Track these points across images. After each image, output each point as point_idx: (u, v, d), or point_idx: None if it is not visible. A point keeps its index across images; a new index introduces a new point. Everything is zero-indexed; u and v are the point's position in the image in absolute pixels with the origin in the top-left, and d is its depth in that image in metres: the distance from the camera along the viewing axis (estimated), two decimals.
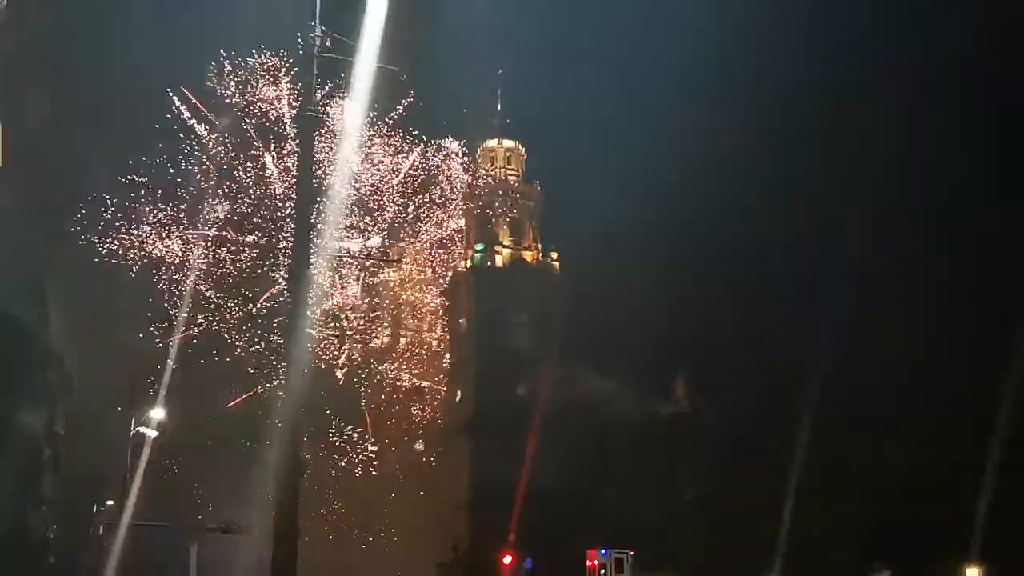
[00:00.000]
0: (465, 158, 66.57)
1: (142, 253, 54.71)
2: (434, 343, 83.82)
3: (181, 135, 57.24)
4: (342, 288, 67.18)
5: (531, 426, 60.58)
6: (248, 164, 59.46)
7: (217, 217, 57.95)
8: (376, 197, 65.73)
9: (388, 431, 75.28)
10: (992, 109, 68.32)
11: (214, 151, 58.55)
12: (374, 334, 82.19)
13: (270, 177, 59.07)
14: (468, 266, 76.26)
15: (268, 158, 58.84)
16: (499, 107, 79.36)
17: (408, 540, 65.22)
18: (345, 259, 59.32)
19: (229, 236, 57.45)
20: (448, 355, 78.52)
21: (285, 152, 59.03)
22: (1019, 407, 50.87)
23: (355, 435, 71.20)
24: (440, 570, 61.62)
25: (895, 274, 62.32)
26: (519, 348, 70.74)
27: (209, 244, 56.58)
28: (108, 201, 51.34)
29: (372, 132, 61.03)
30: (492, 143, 79.39)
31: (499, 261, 75.84)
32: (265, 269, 59.50)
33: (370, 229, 66.58)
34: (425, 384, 79.52)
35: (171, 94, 55.77)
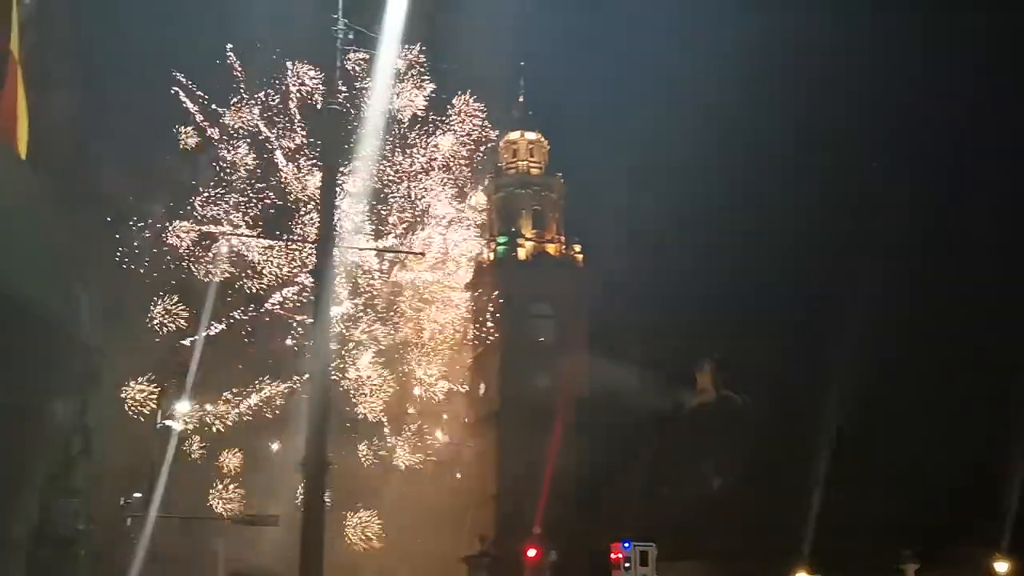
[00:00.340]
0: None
1: (166, 246, 55.01)
2: (457, 335, 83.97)
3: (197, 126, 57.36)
4: (367, 282, 67.15)
5: (556, 418, 60.64)
6: (267, 159, 59.56)
7: (244, 211, 58.08)
8: (397, 187, 65.56)
9: (412, 423, 75.48)
10: None
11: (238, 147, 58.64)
12: (397, 326, 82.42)
13: (284, 174, 59.14)
14: (491, 258, 76.32)
15: (280, 155, 58.88)
16: (521, 99, 79.39)
17: (435, 533, 65.34)
18: (368, 251, 59.25)
19: (250, 232, 57.59)
20: (472, 347, 78.65)
21: (300, 146, 59.05)
22: None
23: (381, 428, 71.44)
24: (467, 563, 61.75)
25: (931, 262, 61.97)
26: (543, 340, 70.81)
27: (231, 239, 56.70)
28: (130, 193, 51.71)
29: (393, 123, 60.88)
30: (514, 135, 79.37)
31: (522, 253, 75.88)
32: (288, 264, 59.60)
33: (392, 222, 66.47)
34: (448, 377, 79.68)
35: (187, 86, 55.85)
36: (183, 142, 55.67)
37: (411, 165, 63.51)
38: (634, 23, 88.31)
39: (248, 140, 58.24)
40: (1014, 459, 50.50)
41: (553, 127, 79.89)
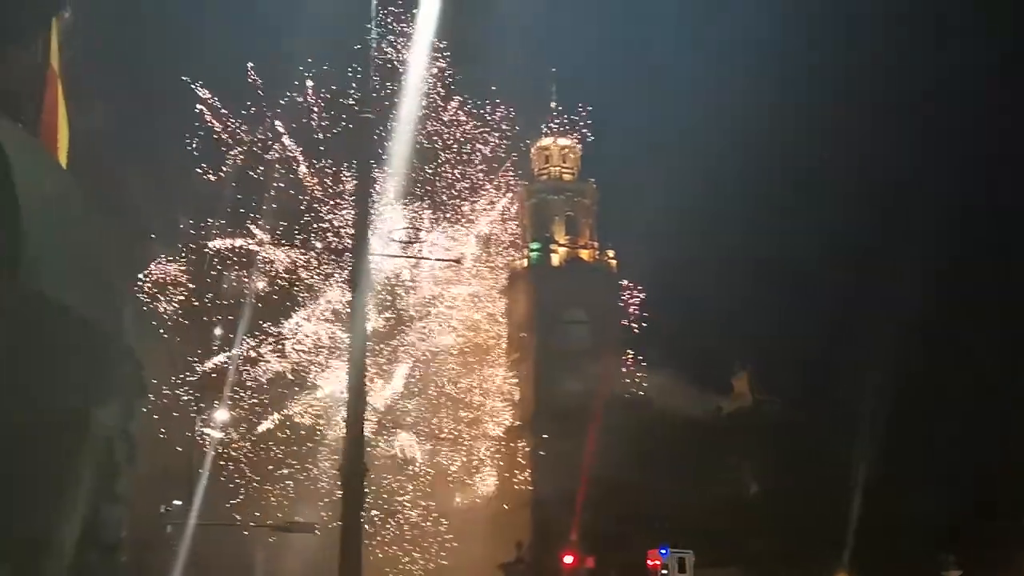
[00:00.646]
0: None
1: (207, 254, 55.57)
2: (492, 342, 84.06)
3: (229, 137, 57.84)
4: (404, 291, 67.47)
5: (590, 424, 60.45)
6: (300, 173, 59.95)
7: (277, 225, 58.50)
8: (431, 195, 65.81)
9: (449, 430, 75.61)
10: None
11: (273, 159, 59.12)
12: (432, 333, 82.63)
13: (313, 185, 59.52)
14: (525, 265, 76.33)
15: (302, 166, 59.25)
16: (553, 104, 79.42)
17: (472, 539, 65.34)
18: (404, 259, 59.47)
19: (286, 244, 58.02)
20: (506, 354, 78.66)
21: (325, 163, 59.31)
22: None
23: (419, 434, 71.62)
24: (503, 570, 61.68)
25: (969, 264, 61.30)
26: (577, 346, 70.67)
27: (269, 252, 57.15)
28: (162, 205, 52.30)
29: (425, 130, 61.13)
30: (547, 141, 79.35)
31: (555, 260, 75.83)
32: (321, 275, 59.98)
33: (427, 228, 66.73)
34: (484, 384, 79.76)
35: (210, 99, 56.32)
36: (229, 162, 56.15)
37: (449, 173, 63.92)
38: (665, 28, 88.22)
39: (282, 154, 58.80)
40: None
41: (585, 132, 79.85)
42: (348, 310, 15.55)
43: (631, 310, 70.51)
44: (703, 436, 59.79)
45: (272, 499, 53.58)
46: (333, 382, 57.29)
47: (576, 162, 79.85)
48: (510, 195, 71.36)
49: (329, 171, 58.89)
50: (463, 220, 71.78)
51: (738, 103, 66.36)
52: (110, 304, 6.80)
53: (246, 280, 54.71)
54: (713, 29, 76.47)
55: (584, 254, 76.71)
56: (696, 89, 77.93)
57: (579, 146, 79.92)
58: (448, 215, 67.45)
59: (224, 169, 56.53)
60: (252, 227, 57.37)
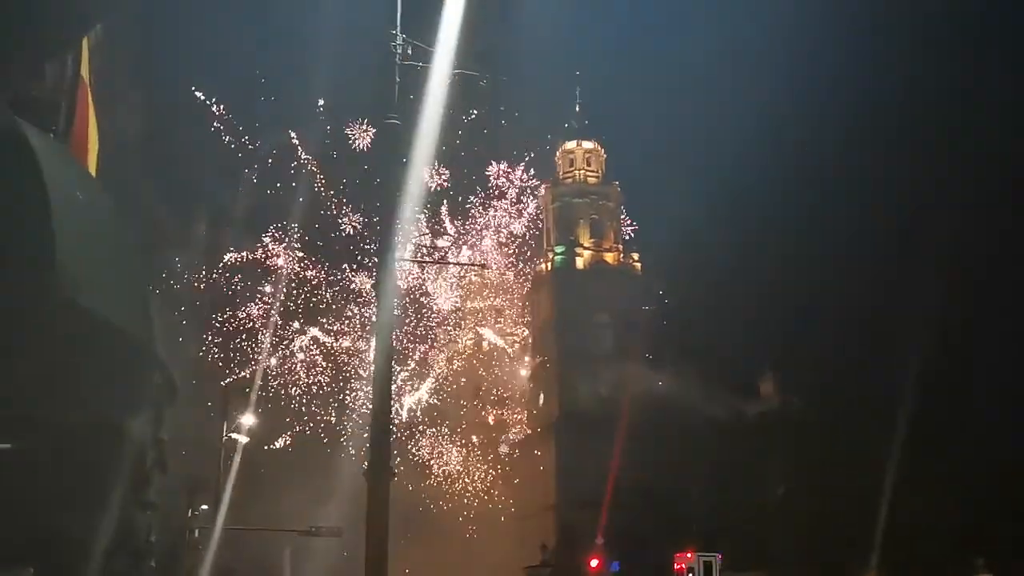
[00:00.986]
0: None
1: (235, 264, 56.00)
2: (517, 345, 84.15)
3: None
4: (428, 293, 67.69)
5: (616, 427, 60.32)
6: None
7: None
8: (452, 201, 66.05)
9: (474, 433, 75.74)
10: None
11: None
12: (457, 337, 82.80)
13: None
14: (549, 268, 76.33)
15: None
16: (578, 108, 79.43)
17: (497, 542, 65.38)
18: (428, 264, 59.68)
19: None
20: (530, 357, 78.70)
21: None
22: None
23: (443, 437, 71.80)
24: (529, 573, 61.66)
25: (994, 261, 60.70)
26: (602, 349, 70.55)
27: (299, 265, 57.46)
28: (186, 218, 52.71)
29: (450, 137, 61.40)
30: (571, 144, 79.34)
31: (580, 263, 75.75)
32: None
33: (450, 234, 66.93)
34: (508, 387, 79.85)
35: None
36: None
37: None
38: (689, 31, 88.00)
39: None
40: None
41: (610, 136, 79.86)
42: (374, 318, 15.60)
43: (654, 313, 70.43)
44: (729, 439, 59.48)
45: (298, 502, 53.86)
46: (359, 387, 57.57)
47: (600, 165, 79.77)
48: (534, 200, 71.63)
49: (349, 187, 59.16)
50: (487, 226, 72.02)
51: (764, 103, 66.00)
52: (141, 313, 6.91)
53: (273, 291, 55.07)
54: (737, 31, 76.19)
55: (609, 257, 76.55)
56: (720, 90, 77.72)
57: (603, 150, 79.88)
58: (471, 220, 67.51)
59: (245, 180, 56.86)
60: (268, 239, 57.67)
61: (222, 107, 56.40)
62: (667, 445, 57.93)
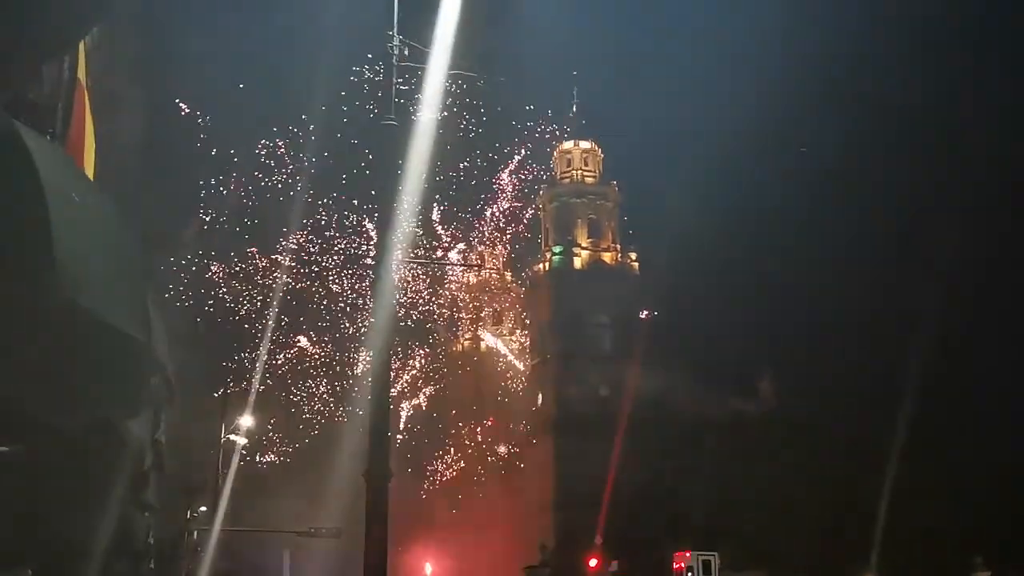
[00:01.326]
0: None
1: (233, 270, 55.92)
2: (515, 345, 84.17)
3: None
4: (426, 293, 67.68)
5: (615, 427, 60.32)
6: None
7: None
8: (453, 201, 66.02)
9: (473, 434, 75.73)
10: None
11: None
12: (455, 337, 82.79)
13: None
14: (547, 268, 76.37)
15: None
16: (575, 108, 79.47)
17: (496, 542, 65.34)
18: (425, 265, 59.66)
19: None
20: (529, 357, 78.69)
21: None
22: None
23: (442, 439, 71.77)
24: (528, 572, 61.69)
25: (994, 267, 60.66)
26: (600, 349, 70.57)
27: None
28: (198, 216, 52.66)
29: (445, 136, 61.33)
30: (568, 145, 79.38)
31: (577, 263, 75.78)
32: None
33: (448, 236, 66.96)
34: (506, 387, 79.80)
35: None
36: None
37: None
38: (687, 32, 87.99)
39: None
40: None
41: (608, 135, 79.86)
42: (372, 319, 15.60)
43: (653, 313, 70.45)
44: (728, 439, 59.56)
45: (296, 504, 53.82)
46: (359, 387, 57.52)
47: (598, 165, 79.83)
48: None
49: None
50: (484, 226, 72.00)
51: (763, 105, 65.91)
52: (139, 314, 6.91)
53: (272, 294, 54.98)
54: (735, 32, 76.17)
55: (607, 257, 76.60)
56: (719, 92, 77.62)
57: (600, 150, 79.93)
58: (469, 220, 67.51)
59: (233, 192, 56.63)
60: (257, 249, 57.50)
61: (208, 117, 56.17)
62: (665, 445, 57.99)
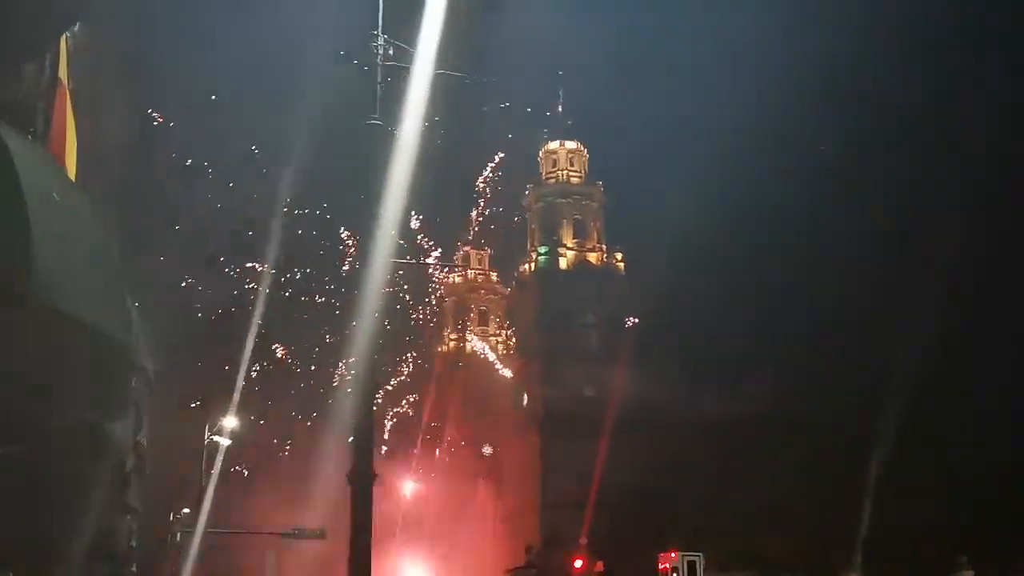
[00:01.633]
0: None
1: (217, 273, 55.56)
2: (500, 346, 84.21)
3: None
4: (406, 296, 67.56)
5: (601, 427, 60.37)
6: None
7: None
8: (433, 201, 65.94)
9: (457, 434, 75.70)
10: None
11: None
12: (438, 338, 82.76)
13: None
14: (532, 268, 76.44)
15: None
16: (561, 108, 79.55)
17: (481, 543, 65.36)
18: (409, 266, 59.52)
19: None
20: (515, 357, 78.72)
21: None
22: None
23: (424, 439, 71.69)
24: (512, 574, 61.75)
25: (990, 266, 60.83)
26: (586, 348, 70.65)
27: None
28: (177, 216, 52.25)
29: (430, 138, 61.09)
30: (554, 145, 79.46)
31: (563, 263, 75.88)
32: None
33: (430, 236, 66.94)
34: (491, 388, 79.78)
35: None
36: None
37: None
38: (678, 29, 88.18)
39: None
40: None
41: (592, 135, 79.95)
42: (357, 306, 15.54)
43: (640, 312, 70.55)
44: (716, 439, 59.66)
45: (280, 505, 53.70)
46: (342, 387, 57.39)
47: (584, 165, 79.93)
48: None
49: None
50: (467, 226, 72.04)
51: (756, 103, 65.95)
52: (119, 315, 6.85)
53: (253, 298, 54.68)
54: (728, 28, 76.38)
55: (592, 257, 76.71)
56: (709, 91, 77.81)
57: (586, 150, 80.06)
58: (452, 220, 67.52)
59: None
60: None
61: (188, 120, 55.63)
62: (653, 445, 58.03)
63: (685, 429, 58.98)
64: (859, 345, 59.79)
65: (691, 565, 41.40)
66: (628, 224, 77.42)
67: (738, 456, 58.31)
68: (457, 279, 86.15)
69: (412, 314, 68.39)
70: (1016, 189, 62.36)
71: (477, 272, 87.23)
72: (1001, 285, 60.07)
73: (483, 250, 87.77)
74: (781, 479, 56.79)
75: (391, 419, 68.45)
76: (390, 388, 66.55)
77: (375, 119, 15.54)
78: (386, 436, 66.95)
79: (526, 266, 77.68)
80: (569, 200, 77.65)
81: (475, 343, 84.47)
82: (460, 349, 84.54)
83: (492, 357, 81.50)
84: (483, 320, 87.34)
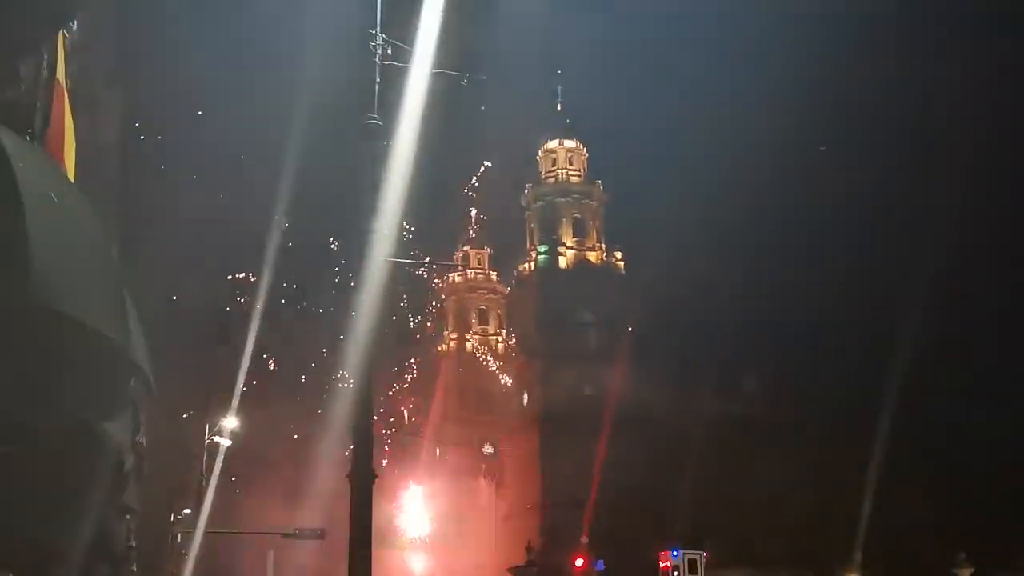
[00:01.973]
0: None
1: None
2: (500, 345, 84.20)
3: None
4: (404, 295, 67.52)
5: (600, 426, 60.35)
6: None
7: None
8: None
9: (458, 433, 75.68)
10: None
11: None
12: (440, 337, 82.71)
13: None
14: (532, 268, 76.38)
15: None
16: (560, 107, 79.50)
17: (482, 542, 65.34)
18: (407, 266, 59.38)
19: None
20: (515, 356, 78.72)
21: None
22: None
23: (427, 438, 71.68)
24: (513, 573, 61.75)
25: (982, 265, 60.92)
26: (586, 348, 70.61)
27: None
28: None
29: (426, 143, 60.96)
30: (553, 144, 79.38)
31: (563, 262, 75.82)
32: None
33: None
34: (491, 387, 79.79)
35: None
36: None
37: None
38: (672, 30, 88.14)
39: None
40: None
41: (591, 134, 79.89)
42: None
43: (639, 311, 70.50)
44: (714, 438, 59.64)
45: (280, 505, 53.65)
46: (342, 388, 57.32)
47: (583, 164, 79.85)
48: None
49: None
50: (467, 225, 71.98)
51: (750, 102, 66.04)
52: (118, 315, 6.83)
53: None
54: (722, 27, 76.36)
55: (592, 256, 76.64)
56: (707, 92, 77.80)
57: (585, 148, 79.96)
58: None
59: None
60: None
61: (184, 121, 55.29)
62: (652, 444, 58.03)
63: (684, 428, 58.96)
64: (857, 345, 59.83)
65: (692, 563, 41.38)
66: (628, 223, 77.37)
67: (737, 455, 58.28)
68: (457, 278, 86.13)
69: (410, 317, 68.33)
70: (1016, 188, 62.46)
71: (477, 271, 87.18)
72: (1001, 285, 60.17)
73: (483, 249, 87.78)
74: (779, 477, 56.83)
75: (392, 419, 68.43)
76: (393, 391, 66.51)
77: (374, 118, 15.51)
78: (386, 435, 66.92)
79: (526, 265, 77.61)
80: (568, 199, 77.57)
81: (475, 342, 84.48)
82: (460, 348, 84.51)
83: (492, 356, 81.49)
84: (483, 319, 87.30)
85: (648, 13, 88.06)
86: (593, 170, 79.64)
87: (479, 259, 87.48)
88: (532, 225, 78.72)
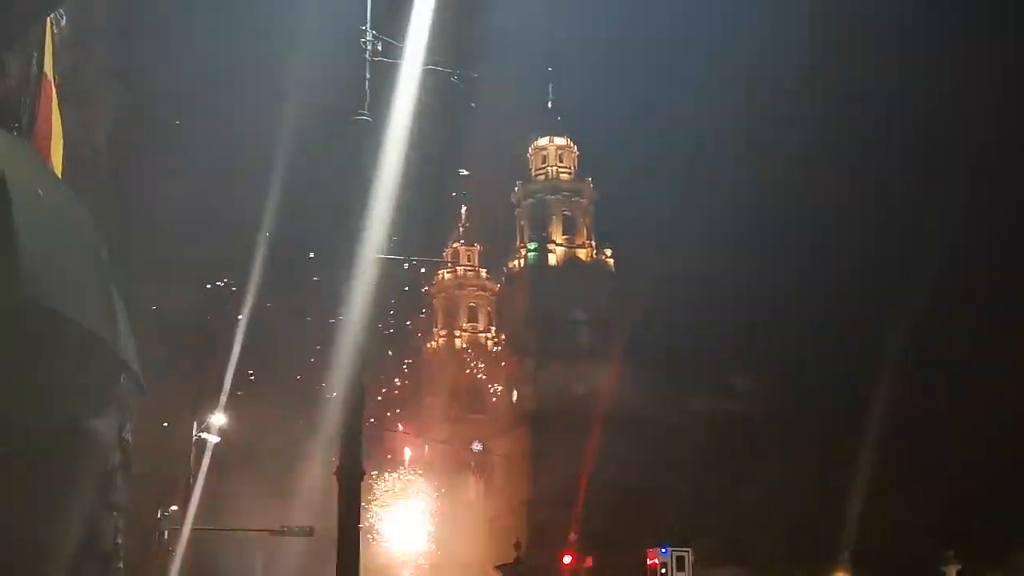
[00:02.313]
0: None
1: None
2: (489, 343, 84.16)
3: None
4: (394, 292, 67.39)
5: (590, 424, 60.41)
6: None
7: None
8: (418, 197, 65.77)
9: (446, 431, 75.59)
10: None
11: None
12: (428, 334, 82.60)
13: None
14: (522, 265, 76.40)
15: None
16: (551, 104, 79.53)
17: (470, 540, 65.31)
18: (395, 261, 59.32)
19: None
20: (504, 354, 78.71)
21: None
22: None
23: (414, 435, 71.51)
24: (501, 571, 61.75)
25: (978, 261, 61.05)
26: (576, 346, 70.68)
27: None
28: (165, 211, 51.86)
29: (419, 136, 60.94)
30: (544, 141, 79.40)
31: (553, 260, 75.86)
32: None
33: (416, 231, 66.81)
34: (481, 384, 79.75)
35: None
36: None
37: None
38: (663, 28, 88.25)
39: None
40: None
41: (582, 132, 79.94)
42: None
43: (630, 309, 70.54)
44: (704, 437, 59.77)
45: (268, 502, 53.50)
46: (331, 383, 57.19)
47: (573, 161, 79.91)
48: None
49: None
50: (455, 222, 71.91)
51: (740, 101, 66.19)
52: (105, 312, 6.79)
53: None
54: (713, 25, 76.49)
55: (582, 254, 76.72)
56: (698, 90, 77.93)
57: (576, 146, 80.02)
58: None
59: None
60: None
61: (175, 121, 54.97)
62: (642, 443, 58.11)
63: (674, 426, 59.06)
64: (848, 344, 60.00)
65: (680, 560, 41.42)
66: (618, 221, 77.50)
67: (727, 453, 58.41)
68: (446, 275, 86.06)
69: (394, 316, 68.17)
70: (1017, 188, 62.66)
71: (466, 268, 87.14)
72: (980, 282, 60.37)
73: (472, 246, 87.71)
74: (769, 476, 56.97)
75: (378, 414, 68.26)
76: (383, 390, 66.37)
77: (364, 114, 15.49)
78: (374, 432, 66.80)
79: (515, 262, 77.61)
80: (559, 196, 77.64)
81: (464, 340, 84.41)
82: (450, 346, 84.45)
83: (481, 353, 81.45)
84: (472, 316, 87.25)
85: (640, 11, 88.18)
86: (584, 168, 79.77)
87: (469, 256, 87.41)
88: (522, 222, 78.75)
